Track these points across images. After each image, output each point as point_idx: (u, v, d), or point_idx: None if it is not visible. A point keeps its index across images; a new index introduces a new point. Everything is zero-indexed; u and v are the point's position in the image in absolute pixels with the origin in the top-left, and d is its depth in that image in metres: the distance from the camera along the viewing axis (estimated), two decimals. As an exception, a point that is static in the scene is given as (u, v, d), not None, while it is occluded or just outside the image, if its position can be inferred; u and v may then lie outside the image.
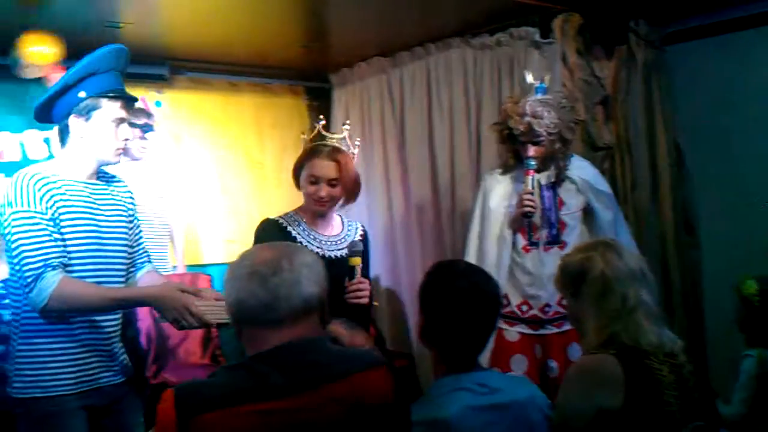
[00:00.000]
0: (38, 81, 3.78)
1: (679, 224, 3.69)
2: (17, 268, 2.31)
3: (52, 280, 2.25)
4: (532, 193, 2.99)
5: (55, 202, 2.33)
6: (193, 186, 4.61)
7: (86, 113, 2.38)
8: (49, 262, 2.28)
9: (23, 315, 2.37)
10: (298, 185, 2.71)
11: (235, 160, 4.68)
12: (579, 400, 1.85)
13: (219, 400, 1.44)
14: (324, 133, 2.65)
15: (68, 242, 2.35)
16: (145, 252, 2.66)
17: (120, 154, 2.48)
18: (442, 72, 4.07)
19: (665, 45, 3.77)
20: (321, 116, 2.78)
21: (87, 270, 2.38)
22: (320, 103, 5.04)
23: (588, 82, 3.65)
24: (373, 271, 4.47)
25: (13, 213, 2.30)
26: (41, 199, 2.31)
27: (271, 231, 2.67)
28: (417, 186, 4.21)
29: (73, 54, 3.69)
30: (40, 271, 2.25)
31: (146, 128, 3.92)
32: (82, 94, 2.36)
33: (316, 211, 2.69)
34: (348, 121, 2.83)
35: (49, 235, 2.30)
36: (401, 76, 4.29)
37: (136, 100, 2.52)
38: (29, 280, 2.26)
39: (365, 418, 1.50)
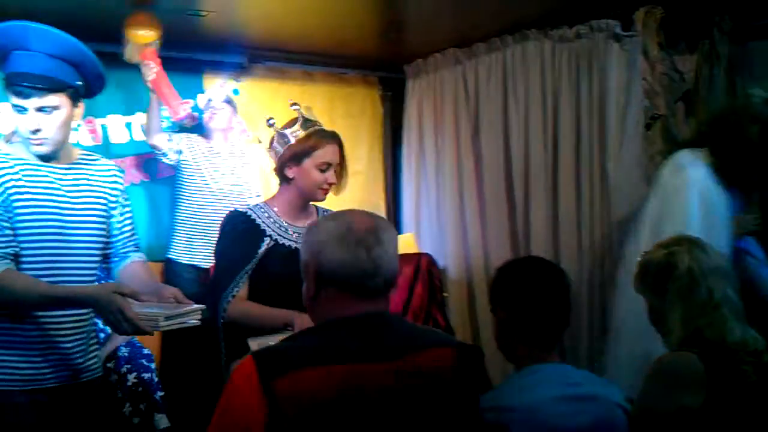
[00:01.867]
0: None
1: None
2: None
3: None
4: None
5: (6, 185, 2.17)
6: (266, 172, 4.67)
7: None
8: None
9: None
10: (285, 177, 2.52)
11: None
12: (659, 398, 1.84)
13: (304, 360, 1.44)
14: (308, 116, 2.51)
15: (20, 230, 2.18)
16: (132, 241, 2.48)
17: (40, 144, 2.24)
18: (519, 64, 4.03)
19: (749, 41, 3.66)
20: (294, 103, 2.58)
21: (41, 263, 2.21)
22: (393, 93, 5.06)
23: (669, 76, 3.58)
24: (443, 261, 4.49)
25: None
26: None
27: (236, 223, 2.54)
28: (489, 178, 4.18)
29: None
30: None
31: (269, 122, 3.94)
32: None
33: (318, 200, 2.56)
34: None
35: None
36: (476, 68, 4.27)
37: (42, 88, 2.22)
38: None
39: (439, 392, 1.51)
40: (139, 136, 4.17)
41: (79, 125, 3.99)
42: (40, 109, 2.18)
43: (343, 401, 1.42)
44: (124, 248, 2.45)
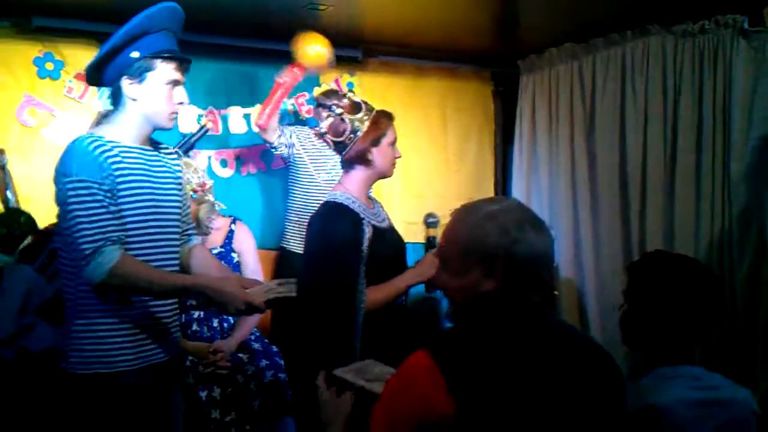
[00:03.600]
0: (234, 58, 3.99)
1: None
2: (71, 240, 2.18)
3: (112, 255, 2.14)
4: None
5: (112, 169, 2.21)
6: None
7: (139, 75, 2.25)
8: (109, 235, 2.15)
9: (79, 289, 2.25)
10: (366, 160, 2.68)
11: (418, 143, 4.73)
12: None
13: (487, 361, 1.42)
14: (355, 99, 2.71)
15: (126, 212, 2.23)
16: (191, 224, 2.58)
17: (173, 119, 2.37)
18: (638, 60, 3.91)
19: None
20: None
21: (145, 242, 2.28)
22: (505, 88, 5.01)
23: (800, 74, 3.40)
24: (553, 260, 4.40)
25: (69, 182, 2.17)
26: (99, 167, 2.18)
27: (347, 218, 2.61)
28: (604, 177, 4.08)
29: (276, 34, 3.91)
30: (99, 244, 2.13)
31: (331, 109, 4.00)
32: (134, 55, 2.24)
33: (390, 175, 2.79)
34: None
35: (106, 207, 2.17)
36: (594, 63, 4.17)
37: (190, 61, 2.37)
38: (87, 253, 2.13)
39: (606, 398, 1.50)
40: (256, 127, 4.28)
41: (200, 116, 4.15)
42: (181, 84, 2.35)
43: (524, 402, 1.40)
44: (188, 230, 2.55)
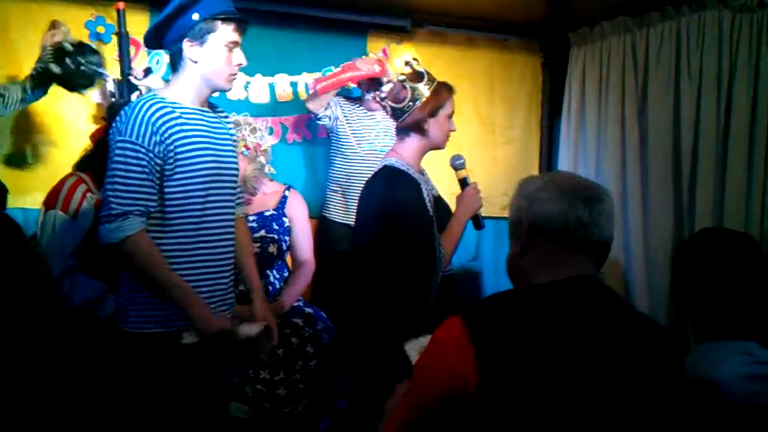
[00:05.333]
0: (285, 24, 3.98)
1: None
2: (104, 196, 2.24)
3: (135, 225, 2.18)
4: None
5: (172, 131, 2.24)
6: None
7: (200, 37, 2.28)
8: (140, 204, 2.19)
9: None
10: (422, 130, 2.71)
11: (466, 115, 4.68)
12: None
13: (520, 330, 1.40)
14: (418, 68, 2.72)
15: (188, 171, 2.28)
16: (240, 185, 2.62)
17: (233, 80, 2.39)
18: (694, 34, 3.80)
19: None
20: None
21: (209, 201, 2.32)
22: (554, 61, 4.92)
23: None
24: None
25: (120, 141, 2.21)
26: (153, 131, 2.21)
27: (409, 183, 2.65)
28: (655, 154, 3.99)
29: (324, 1, 3.88)
30: (129, 209, 2.18)
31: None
32: (195, 16, 2.26)
33: (443, 147, 2.80)
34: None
35: (148, 175, 2.20)
36: (647, 37, 4.06)
37: (248, 22, 2.38)
38: (113, 212, 2.18)
39: (651, 377, 1.46)
40: (305, 95, 4.28)
41: (248, 83, 4.16)
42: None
43: (554, 378, 1.38)
44: (239, 197, 2.59)
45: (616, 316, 1.48)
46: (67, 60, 3.01)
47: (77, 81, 3.08)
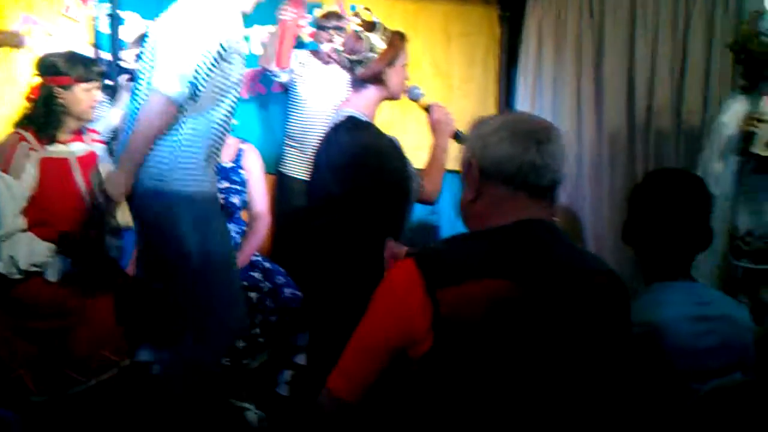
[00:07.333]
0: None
1: None
2: None
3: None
4: (760, 117, 2.81)
5: None
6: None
7: None
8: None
9: None
10: (380, 80, 2.64)
11: (423, 70, 4.65)
12: None
13: (470, 271, 1.38)
14: (370, 17, 2.65)
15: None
16: None
17: None
18: (649, -16, 3.82)
19: None
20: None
21: None
22: (512, 13, 4.88)
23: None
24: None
25: None
26: None
27: (373, 130, 2.63)
28: (610, 106, 4.02)
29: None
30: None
31: (338, 30, 3.91)
32: None
33: (397, 98, 2.74)
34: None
35: None
36: (603, -13, 4.07)
37: None
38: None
39: (598, 316, 1.46)
40: (256, 49, 4.19)
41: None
42: None
43: (506, 317, 1.38)
44: None
45: (565, 259, 1.47)
46: None
47: None
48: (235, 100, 2.65)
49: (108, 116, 3.40)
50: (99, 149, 3.17)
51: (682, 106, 3.67)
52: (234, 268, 2.77)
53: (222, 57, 2.53)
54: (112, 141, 3.28)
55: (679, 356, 1.75)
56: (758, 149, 2.91)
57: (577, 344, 1.43)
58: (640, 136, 3.85)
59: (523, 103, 4.61)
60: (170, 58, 2.48)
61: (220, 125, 2.62)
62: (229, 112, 2.64)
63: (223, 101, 2.60)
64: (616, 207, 3.77)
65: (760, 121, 2.88)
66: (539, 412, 1.40)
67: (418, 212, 4.57)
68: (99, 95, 3.12)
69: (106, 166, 2.65)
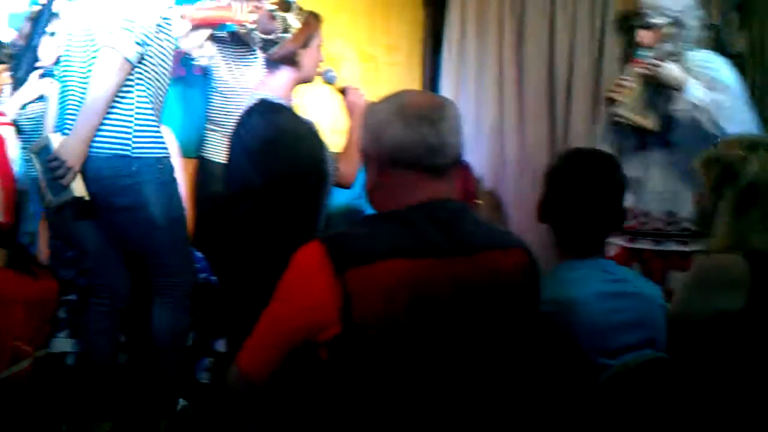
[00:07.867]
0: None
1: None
2: None
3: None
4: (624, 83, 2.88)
5: None
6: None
7: None
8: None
9: None
10: (294, 61, 2.60)
11: (346, 54, 4.62)
12: (697, 301, 1.76)
13: (378, 251, 1.38)
14: None
15: None
16: None
17: None
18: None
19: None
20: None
21: None
22: (435, -3, 4.90)
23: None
24: (479, 170, 4.43)
25: None
26: None
27: (290, 113, 2.61)
28: (531, 88, 4.07)
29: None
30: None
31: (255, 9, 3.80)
32: None
33: (310, 81, 2.71)
34: None
35: None
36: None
37: None
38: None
39: (508, 292, 1.48)
40: (176, 31, 4.08)
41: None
42: None
43: (416, 296, 1.38)
44: None
45: (473, 235, 1.49)
46: None
47: None
48: (169, 72, 2.73)
49: (14, 97, 3.27)
50: (7, 131, 3.06)
51: (600, 90, 3.73)
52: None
53: (160, 27, 2.60)
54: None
55: (591, 333, 1.76)
56: (623, 112, 2.93)
57: (486, 320, 1.44)
58: (560, 122, 3.90)
59: (447, 87, 4.63)
60: (125, 20, 2.47)
61: (162, 94, 2.68)
62: (167, 83, 2.71)
63: (165, 69, 2.67)
64: (538, 189, 3.83)
65: (620, 86, 2.92)
66: (449, 389, 1.41)
67: (346, 197, 4.58)
68: (7, 78, 3.00)
69: (56, 136, 2.53)
